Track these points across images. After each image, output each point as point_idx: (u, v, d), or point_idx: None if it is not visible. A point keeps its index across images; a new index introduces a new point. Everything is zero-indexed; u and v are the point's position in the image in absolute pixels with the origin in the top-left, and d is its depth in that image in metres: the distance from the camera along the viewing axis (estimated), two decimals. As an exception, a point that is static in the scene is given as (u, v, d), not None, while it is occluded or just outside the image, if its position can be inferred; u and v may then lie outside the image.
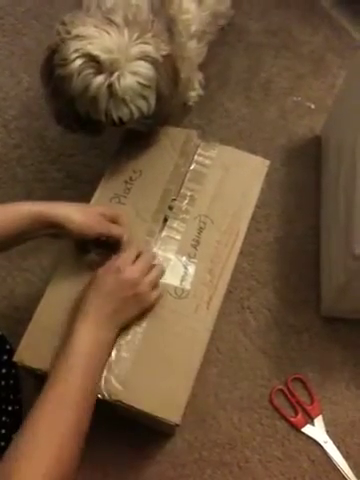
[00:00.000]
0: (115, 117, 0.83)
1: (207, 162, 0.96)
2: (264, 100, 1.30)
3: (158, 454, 0.95)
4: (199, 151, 0.97)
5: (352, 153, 0.94)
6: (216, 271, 0.87)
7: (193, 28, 0.96)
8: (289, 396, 0.98)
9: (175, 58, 0.87)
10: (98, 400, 0.76)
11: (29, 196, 1.16)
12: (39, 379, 0.93)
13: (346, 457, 0.94)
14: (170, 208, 0.92)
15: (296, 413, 0.97)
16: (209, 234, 0.90)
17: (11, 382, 0.95)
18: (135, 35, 0.79)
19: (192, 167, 0.95)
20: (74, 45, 0.78)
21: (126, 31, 0.79)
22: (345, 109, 1.09)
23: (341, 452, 0.94)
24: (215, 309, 0.84)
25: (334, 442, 0.95)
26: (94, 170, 1.17)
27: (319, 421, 0.96)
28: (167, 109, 0.91)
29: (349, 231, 0.89)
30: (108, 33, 0.78)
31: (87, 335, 0.72)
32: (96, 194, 0.93)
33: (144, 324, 0.81)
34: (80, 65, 0.78)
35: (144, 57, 0.80)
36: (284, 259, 1.12)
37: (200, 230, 0.90)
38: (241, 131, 1.26)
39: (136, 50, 0.79)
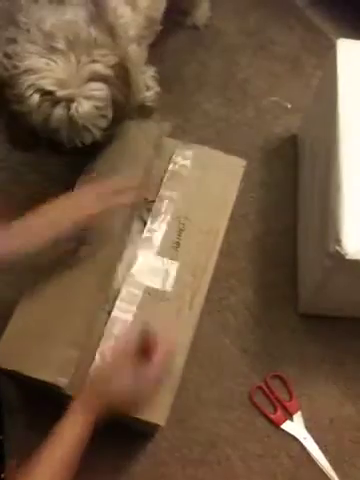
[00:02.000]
0: (77, 142, 0.84)
1: (184, 162, 0.97)
2: (241, 100, 1.31)
3: (140, 454, 0.95)
4: (176, 151, 0.98)
5: (327, 152, 0.95)
6: (197, 272, 0.87)
7: (131, 32, 0.95)
8: (268, 393, 0.99)
9: (123, 60, 0.87)
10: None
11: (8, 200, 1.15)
12: (19, 383, 0.93)
13: (325, 452, 0.95)
14: (148, 210, 0.92)
15: (275, 410, 0.98)
16: (189, 235, 0.90)
17: None
18: (82, 56, 0.79)
19: (170, 167, 0.96)
20: (27, 81, 0.78)
21: (72, 55, 0.79)
22: (320, 109, 1.10)
23: (320, 448, 0.96)
24: (197, 310, 0.84)
25: (313, 438, 0.96)
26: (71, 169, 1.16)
27: (298, 417, 0.97)
28: (123, 113, 0.91)
29: (324, 229, 0.90)
30: (56, 63, 0.78)
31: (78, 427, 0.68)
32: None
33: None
34: (37, 102, 0.78)
35: (95, 77, 0.80)
36: (262, 258, 1.13)
37: (180, 231, 0.91)
38: (219, 131, 1.27)
39: (86, 72, 0.80)
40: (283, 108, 1.31)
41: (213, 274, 0.89)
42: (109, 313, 0.84)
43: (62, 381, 0.77)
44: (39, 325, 0.81)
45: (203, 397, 0.99)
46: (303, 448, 0.96)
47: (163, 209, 0.92)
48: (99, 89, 0.81)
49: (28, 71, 0.78)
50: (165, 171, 0.96)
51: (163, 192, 0.94)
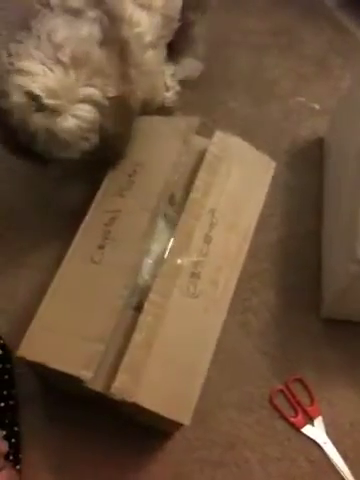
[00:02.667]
0: (55, 155, 0.83)
1: (220, 154, 0.94)
2: (268, 100, 1.30)
3: (158, 453, 0.95)
4: (213, 140, 0.95)
5: (357, 157, 0.94)
6: (226, 270, 0.86)
7: (147, 39, 0.94)
8: (289, 396, 0.99)
9: (127, 96, 0.85)
10: (101, 398, 0.76)
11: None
12: (40, 376, 0.94)
13: (345, 458, 0.95)
14: (171, 203, 0.91)
15: (296, 413, 0.98)
16: (220, 231, 0.88)
17: (6, 377, 0.95)
18: (82, 77, 0.78)
19: (206, 157, 0.93)
20: (16, 80, 0.77)
21: (72, 72, 0.78)
22: (350, 112, 1.09)
23: (340, 453, 0.95)
24: (225, 309, 0.84)
25: (333, 443, 0.96)
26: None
27: (319, 422, 0.97)
28: (120, 144, 0.90)
29: (351, 235, 0.89)
30: (53, 72, 0.77)
31: None
32: (101, 189, 0.93)
33: (155, 324, 0.80)
34: (20, 102, 0.77)
35: (88, 100, 0.79)
36: (285, 260, 1.12)
37: (212, 226, 0.89)
38: (245, 131, 1.24)
39: (80, 93, 0.78)
40: (310, 109, 1.29)
41: (236, 274, 0.88)
42: (135, 308, 0.83)
43: (85, 375, 0.76)
44: (64, 319, 0.81)
45: (223, 398, 0.99)
46: (323, 453, 0.95)
47: (198, 199, 0.89)
48: (88, 111, 0.80)
49: (21, 71, 0.78)
50: (192, 159, 0.94)
51: (198, 182, 0.91)
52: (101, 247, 0.87)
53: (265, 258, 1.12)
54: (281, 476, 0.94)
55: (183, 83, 1.24)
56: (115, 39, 0.85)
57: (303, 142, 1.25)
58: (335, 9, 1.44)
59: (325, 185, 1.18)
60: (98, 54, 0.81)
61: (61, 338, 0.80)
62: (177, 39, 1.12)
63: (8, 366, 0.96)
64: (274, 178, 1.15)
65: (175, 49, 1.20)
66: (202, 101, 1.25)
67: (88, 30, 0.82)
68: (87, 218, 0.90)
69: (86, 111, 0.80)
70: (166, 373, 0.78)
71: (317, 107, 1.29)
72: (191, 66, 1.29)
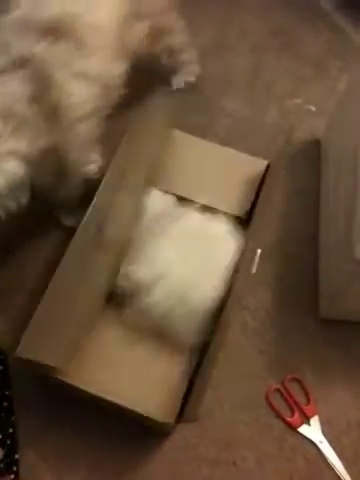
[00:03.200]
0: None
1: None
2: (266, 101, 1.31)
3: (156, 452, 0.95)
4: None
5: (354, 158, 0.95)
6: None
7: (80, 111, 0.88)
8: (286, 396, 1.00)
9: (58, 147, 0.83)
10: (96, 401, 0.77)
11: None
12: (36, 377, 0.94)
13: (341, 457, 0.96)
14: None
15: (293, 413, 0.98)
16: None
17: (1, 378, 0.95)
18: (8, 129, 0.76)
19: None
20: None
21: None
22: (347, 114, 1.10)
23: (336, 452, 0.96)
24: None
25: (329, 442, 0.96)
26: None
27: (315, 421, 0.98)
28: (53, 195, 0.89)
29: (349, 235, 0.90)
30: None
31: None
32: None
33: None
34: None
35: (15, 154, 0.77)
36: (283, 261, 1.13)
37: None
38: (242, 132, 1.27)
39: (6, 147, 0.76)
40: (307, 111, 1.30)
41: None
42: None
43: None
44: (63, 319, 0.82)
45: (220, 397, 1.00)
46: (319, 452, 0.96)
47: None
48: (14, 166, 0.77)
49: None
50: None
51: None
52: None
53: (262, 259, 1.12)
54: (277, 474, 0.95)
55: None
56: (45, 98, 0.82)
57: (300, 144, 1.26)
58: (332, 11, 1.45)
59: (322, 186, 1.19)
60: (25, 109, 0.78)
61: (60, 337, 0.80)
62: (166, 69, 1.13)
63: (1, 368, 0.96)
64: (271, 179, 1.17)
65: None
66: (200, 103, 1.26)
67: (17, 86, 0.79)
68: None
69: (12, 166, 0.77)
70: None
71: (314, 109, 1.30)
72: (187, 71, 1.30)
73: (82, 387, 0.78)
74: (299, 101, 1.31)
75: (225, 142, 1.10)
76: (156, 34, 1.06)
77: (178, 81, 1.30)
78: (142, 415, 0.77)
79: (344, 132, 1.09)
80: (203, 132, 1.23)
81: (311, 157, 1.24)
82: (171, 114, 1.06)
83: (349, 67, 1.34)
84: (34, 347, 0.80)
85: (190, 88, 1.30)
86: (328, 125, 1.23)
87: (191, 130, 1.13)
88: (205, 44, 1.38)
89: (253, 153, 1.10)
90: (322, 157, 1.23)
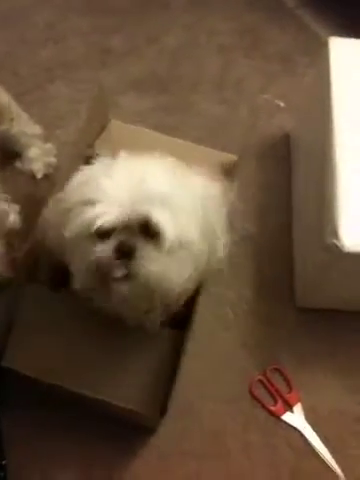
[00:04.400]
0: None
1: None
2: (236, 99, 1.34)
3: (143, 448, 0.96)
4: None
5: (321, 151, 0.97)
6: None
7: None
8: (268, 386, 1.01)
9: None
10: (81, 398, 0.77)
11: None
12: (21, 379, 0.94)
13: (325, 442, 0.97)
14: None
15: (275, 402, 1.00)
16: None
17: None
18: None
19: None
20: None
21: None
22: (314, 107, 1.12)
23: (320, 437, 0.98)
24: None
25: (313, 428, 0.98)
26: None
27: (298, 408, 0.99)
28: None
29: (321, 224, 0.92)
30: None
31: None
32: None
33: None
34: None
35: None
36: (259, 254, 1.15)
37: None
38: (214, 130, 1.29)
39: None
40: (276, 107, 1.33)
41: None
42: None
43: None
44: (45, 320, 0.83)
45: (204, 390, 1.01)
46: (304, 438, 0.98)
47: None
48: None
49: None
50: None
51: None
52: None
53: (239, 252, 1.14)
54: (264, 463, 0.96)
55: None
56: None
57: (271, 138, 1.28)
58: (296, 8, 1.48)
59: (293, 178, 1.21)
60: None
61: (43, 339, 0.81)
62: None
63: None
64: (243, 174, 1.19)
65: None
66: (171, 101, 1.27)
67: None
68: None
69: None
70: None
71: (283, 104, 1.33)
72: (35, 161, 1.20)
73: (66, 386, 0.79)
74: (268, 97, 1.34)
75: (197, 140, 1.12)
76: None
77: (25, 166, 1.21)
78: (128, 409, 0.78)
79: (312, 124, 1.11)
80: (175, 132, 1.24)
81: (282, 151, 1.26)
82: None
83: (315, 62, 1.37)
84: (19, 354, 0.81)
85: (161, 88, 1.31)
86: (297, 119, 1.26)
87: (163, 130, 1.14)
88: (175, 45, 1.41)
89: (225, 150, 1.11)
90: (292, 150, 1.25)
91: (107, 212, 0.65)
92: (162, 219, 0.66)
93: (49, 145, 1.22)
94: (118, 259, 0.66)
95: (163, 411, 0.79)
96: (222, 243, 0.76)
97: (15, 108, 1.10)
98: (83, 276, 0.69)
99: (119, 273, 0.66)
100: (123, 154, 0.73)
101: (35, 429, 0.95)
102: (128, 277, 0.66)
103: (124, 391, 0.79)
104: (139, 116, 1.26)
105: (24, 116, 1.13)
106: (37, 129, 1.18)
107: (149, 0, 1.50)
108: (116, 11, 1.47)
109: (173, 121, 1.29)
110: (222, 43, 1.42)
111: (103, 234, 0.66)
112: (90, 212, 0.65)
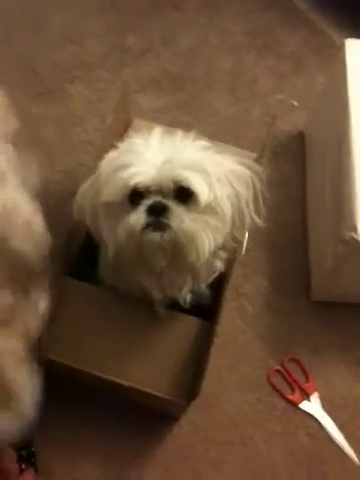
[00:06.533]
0: None
1: None
2: (249, 99, 1.37)
3: (165, 437, 0.99)
4: None
5: (338, 148, 1.00)
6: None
7: None
8: (286, 375, 1.04)
9: None
10: (110, 386, 0.80)
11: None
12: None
13: (341, 429, 1.01)
14: None
15: (293, 391, 1.03)
16: None
17: None
18: None
19: None
20: None
21: None
22: (327, 106, 1.16)
23: (336, 425, 1.01)
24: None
25: (329, 416, 1.01)
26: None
27: (315, 397, 1.03)
28: None
29: (337, 218, 0.96)
30: None
31: None
32: None
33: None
34: None
35: None
36: (274, 248, 1.18)
37: None
38: (228, 129, 1.32)
39: None
40: (290, 106, 1.35)
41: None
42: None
43: None
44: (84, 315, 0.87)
45: (224, 380, 1.04)
46: (321, 426, 1.01)
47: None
48: None
49: None
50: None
51: None
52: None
53: (255, 247, 1.18)
54: (283, 449, 0.99)
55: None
56: None
57: (284, 137, 1.31)
58: (309, 11, 1.52)
59: (308, 174, 1.25)
60: None
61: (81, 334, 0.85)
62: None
63: None
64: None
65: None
66: (187, 100, 1.30)
67: None
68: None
69: None
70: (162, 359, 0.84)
71: (296, 103, 1.36)
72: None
73: (97, 374, 0.82)
74: (281, 97, 1.37)
75: (212, 139, 1.15)
76: None
77: None
78: (158, 396, 0.81)
79: (326, 124, 1.14)
80: (190, 130, 1.28)
81: (295, 148, 1.30)
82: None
83: (326, 63, 1.40)
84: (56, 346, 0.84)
85: (176, 87, 1.33)
86: (310, 118, 1.29)
87: (178, 128, 1.17)
88: (189, 45, 1.44)
89: (239, 147, 1.14)
90: (306, 147, 1.28)
91: (142, 172, 0.68)
92: (196, 181, 0.69)
93: None
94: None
95: (191, 399, 0.82)
96: (248, 216, 0.79)
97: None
98: (118, 241, 0.71)
99: (152, 226, 0.69)
100: (158, 129, 0.76)
101: (61, 420, 0.98)
102: (161, 228, 0.69)
103: (153, 379, 0.82)
104: (155, 113, 1.30)
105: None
106: None
107: (162, 1, 1.53)
108: (130, 12, 1.50)
109: (188, 119, 1.32)
110: (235, 44, 1.45)
111: (137, 198, 0.69)
112: (126, 172, 0.68)
